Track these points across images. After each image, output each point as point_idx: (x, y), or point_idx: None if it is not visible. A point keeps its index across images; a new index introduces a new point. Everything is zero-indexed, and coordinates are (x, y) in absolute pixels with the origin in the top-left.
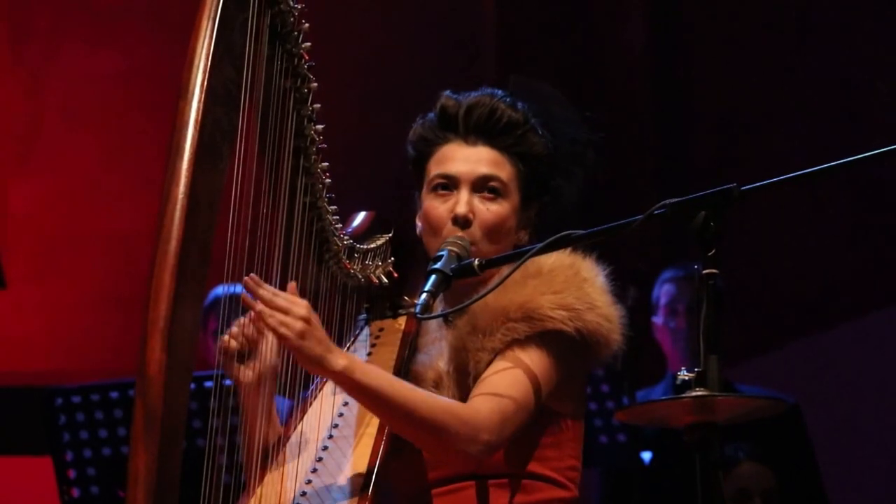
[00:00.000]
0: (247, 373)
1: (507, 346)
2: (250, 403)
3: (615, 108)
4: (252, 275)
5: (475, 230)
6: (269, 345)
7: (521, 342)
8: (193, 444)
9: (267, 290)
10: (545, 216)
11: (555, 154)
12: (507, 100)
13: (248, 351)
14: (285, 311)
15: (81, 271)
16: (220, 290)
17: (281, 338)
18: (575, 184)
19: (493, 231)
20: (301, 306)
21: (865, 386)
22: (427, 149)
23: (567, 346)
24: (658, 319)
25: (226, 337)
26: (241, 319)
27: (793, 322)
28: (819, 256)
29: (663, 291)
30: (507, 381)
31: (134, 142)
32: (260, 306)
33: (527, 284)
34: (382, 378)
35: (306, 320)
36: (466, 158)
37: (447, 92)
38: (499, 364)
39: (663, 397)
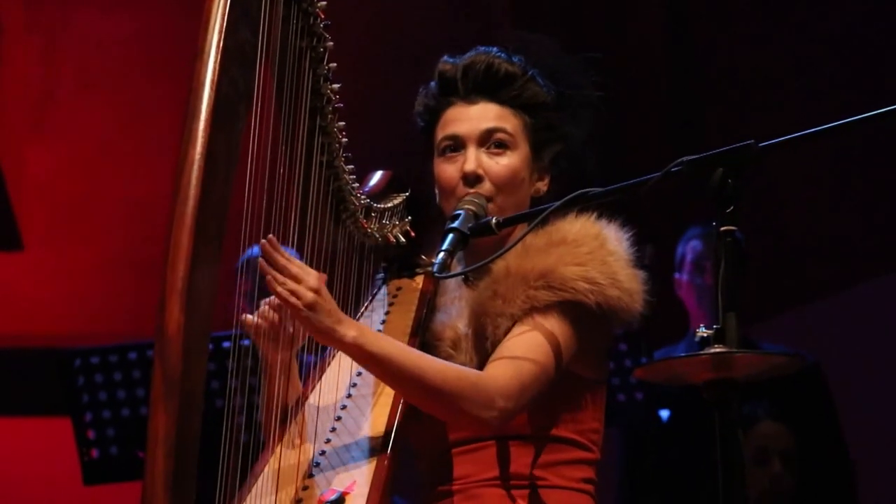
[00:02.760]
0: (274, 344)
1: (526, 313)
2: (272, 363)
3: (631, 67)
4: (270, 236)
5: (487, 185)
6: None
7: (541, 310)
8: (212, 404)
9: (282, 256)
10: (561, 164)
11: (559, 100)
12: (503, 54)
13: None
14: (297, 280)
15: (97, 234)
16: (256, 250)
17: (290, 308)
18: (585, 126)
19: (506, 184)
20: (312, 277)
21: (888, 345)
22: (432, 117)
23: (585, 317)
24: (683, 276)
25: (254, 319)
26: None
27: (815, 281)
28: (840, 214)
29: (689, 248)
30: (526, 346)
31: (149, 105)
32: (271, 275)
33: (550, 252)
34: (394, 347)
35: (316, 291)
36: (469, 117)
37: (444, 57)
38: (518, 329)
39: (671, 355)
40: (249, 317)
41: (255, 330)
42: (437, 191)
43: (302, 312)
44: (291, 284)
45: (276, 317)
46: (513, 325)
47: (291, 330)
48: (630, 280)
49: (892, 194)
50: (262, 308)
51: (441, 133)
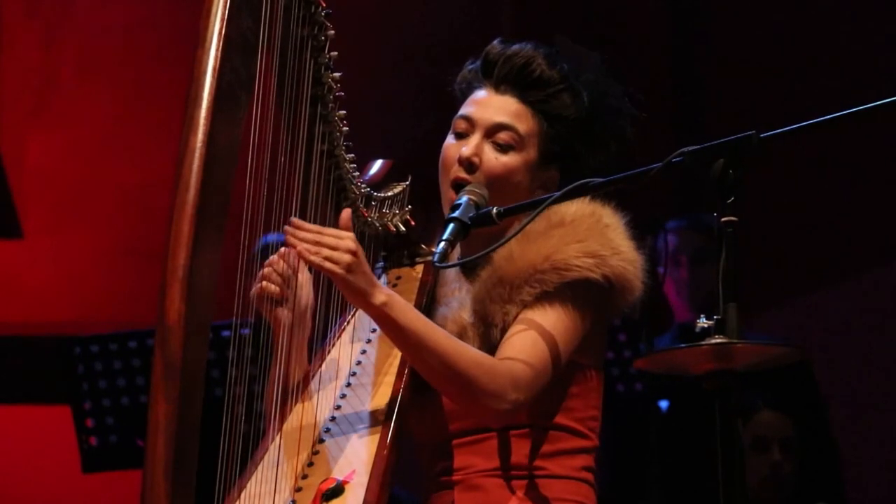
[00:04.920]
0: (284, 312)
1: (536, 298)
2: (283, 341)
3: (631, 56)
4: (293, 219)
5: (479, 177)
6: (304, 282)
7: (551, 294)
8: (211, 393)
9: (311, 230)
10: (569, 181)
11: (590, 123)
12: (548, 57)
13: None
14: (333, 247)
15: (97, 222)
16: (273, 237)
17: (327, 272)
18: (607, 155)
19: (497, 181)
20: (349, 239)
21: (869, 339)
22: (465, 92)
23: (595, 294)
24: (662, 269)
25: (263, 283)
26: (272, 258)
27: (800, 276)
28: (829, 209)
29: (665, 241)
30: (538, 337)
31: (149, 92)
32: (301, 246)
33: (551, 235)
34: (419, 321)
35: (354, 253)
36: (489, 105)
37: (497, 39)
38: (528, 317)
39: (671, 346)
40: (256, 286)
41: (260, 295)
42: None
43: (339, 275)
44: (326, 251)
45: (282, 274)
46: (523, 309)
47: (304, 299)
48: (631, 251)
49: (883, 189)
50: (264, 271)
51: (461, 111)
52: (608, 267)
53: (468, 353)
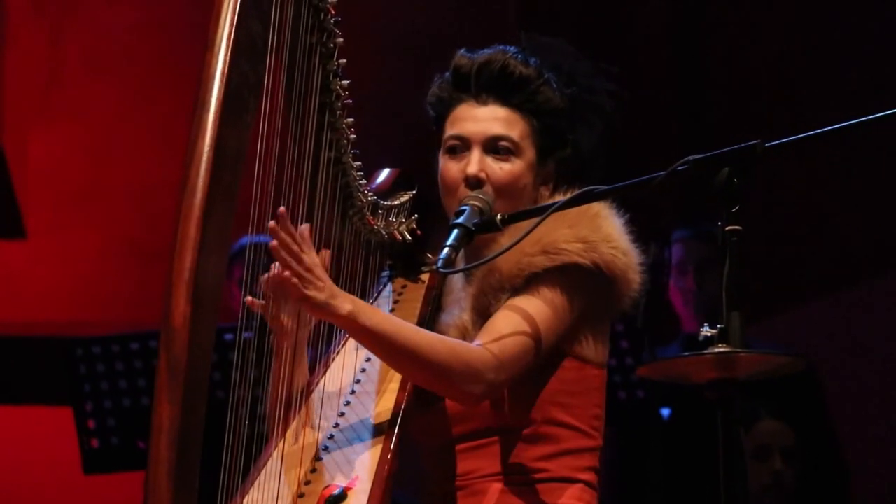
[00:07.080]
0: (285, 321)
1: (525, 281)
2: (283, 346)
3: (635, 63)
4: (281, 208)
5: (488, 190)
6: None
7: (539, 277)
8: (213, 396)
9: (286, 234)
10: (567, 169)
11: (571, 106)
12: (519, 56)
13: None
14: (297, 259)
15: (101, 222)
16: (247, 239)
17: (288, 285)
18: (595, 133)
19: (507, 190)
20: (305, 254)
21: (877, 349)
22: (443, 109)
23: (585, 281)
24: (669, 279)
25: (251, 298)
26: (267, 274)
27: (804, 285)
28: (833, 218)
29: (672, 251)
30: (516, 319)
31: (154, 93)
32: (282, 254)
33: (543, 223)
34: (386, 321)
35: (308, 269)
36: (477, 118)
37: (461, 51)
38: (512, 301)
39: (675, 354)
40: (252, 299)
41: (258, 305)
42: (439, 185)
43: (297, 288)
44: (293, 264)
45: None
46: (512, 294)
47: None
48: (624, 242)
49: (887, 196)
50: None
51: (449, 130)
52: (597, 253)
53: (440, 342)
